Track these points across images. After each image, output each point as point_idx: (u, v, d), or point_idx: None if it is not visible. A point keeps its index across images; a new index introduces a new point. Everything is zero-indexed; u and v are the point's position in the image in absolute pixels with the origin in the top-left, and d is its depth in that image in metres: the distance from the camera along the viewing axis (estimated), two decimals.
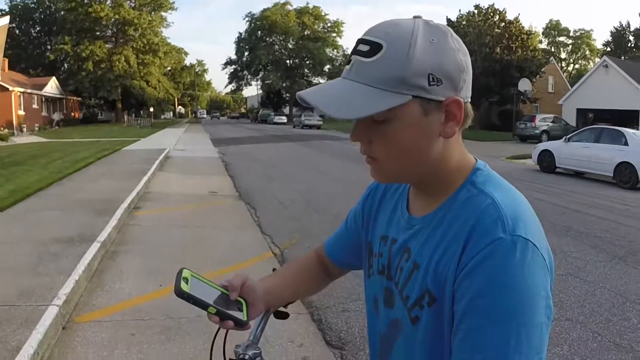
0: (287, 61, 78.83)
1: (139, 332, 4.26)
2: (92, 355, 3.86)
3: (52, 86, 47.45)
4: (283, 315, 1.37)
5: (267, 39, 78.21)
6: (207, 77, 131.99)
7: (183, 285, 1.01)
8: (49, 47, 62.15)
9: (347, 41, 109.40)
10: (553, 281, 0.91)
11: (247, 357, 1.18)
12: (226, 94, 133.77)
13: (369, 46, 0.91)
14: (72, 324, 4.39)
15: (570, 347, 4.10)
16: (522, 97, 37.93)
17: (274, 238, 7.44)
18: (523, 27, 43.84)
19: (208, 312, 1.05)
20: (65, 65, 60.24)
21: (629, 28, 67.53)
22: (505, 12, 44.73)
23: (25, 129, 35.99)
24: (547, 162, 16.46)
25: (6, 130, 30.52)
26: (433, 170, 0.98)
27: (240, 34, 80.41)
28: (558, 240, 7.19)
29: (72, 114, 55.74)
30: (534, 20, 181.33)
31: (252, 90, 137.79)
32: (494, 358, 0.83)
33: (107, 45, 59.38)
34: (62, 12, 57.63)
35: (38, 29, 64.36)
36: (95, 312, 4.67)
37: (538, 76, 43.52)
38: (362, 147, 0.98)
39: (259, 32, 77.89)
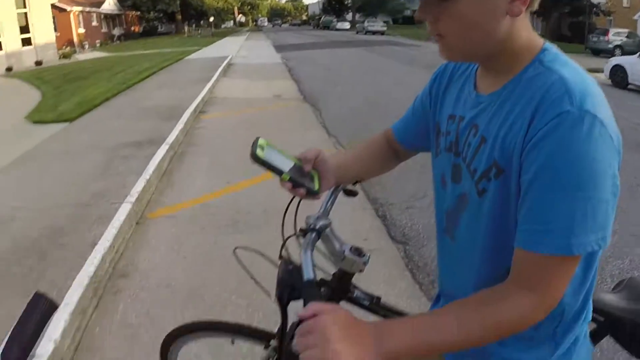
0: None
1: (209, 225, 4.33)
2: (165, 247, 3.95)
3: (109, 3, 47.65)
4: (352, 193, 1.40)
5: None
6: None
7: (259, 152, 1.05)
8: None
9: None
10: (620, 162, 0.89)
11: (317, 227, 1.18)
12: (286, 1, 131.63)
13: None
14: (145, 220, 4.50)
15: (631, 262, 3.80)
16: (594, 9, 35.46)
17: (339, 138, 7.40)
18: None
19: (281, 179, 1.09)
20: None
21: None
22: None
23: (87, 46, 36.66)
24: (619, 77, 15.17)
25: (68, 48, 31.06)
26: (500, 48, 0.97)
27: None
28: (629, 155, 6.60)
29: (132, 28, 56.15)
30: None
31: None
32: (559, 230, 0.84)
33: None
34: None
35: None
36: (167, 208, 4.77)
37: None
38: (428, 26, 0.98)
39: None
